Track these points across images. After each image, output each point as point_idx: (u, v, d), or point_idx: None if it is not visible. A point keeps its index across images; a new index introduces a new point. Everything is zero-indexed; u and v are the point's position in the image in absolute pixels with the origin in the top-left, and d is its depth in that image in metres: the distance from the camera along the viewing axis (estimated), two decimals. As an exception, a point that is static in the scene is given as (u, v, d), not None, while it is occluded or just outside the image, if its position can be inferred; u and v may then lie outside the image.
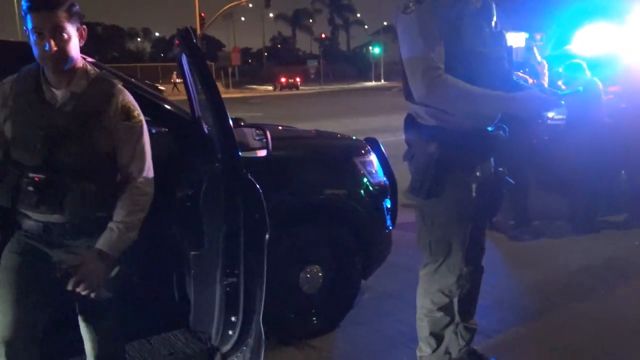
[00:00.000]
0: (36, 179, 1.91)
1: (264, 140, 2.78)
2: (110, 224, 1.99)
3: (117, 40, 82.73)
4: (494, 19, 2.30)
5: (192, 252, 2.46)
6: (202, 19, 43.32)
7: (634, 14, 7.41)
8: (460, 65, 2.16)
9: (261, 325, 2.36)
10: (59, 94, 1.96)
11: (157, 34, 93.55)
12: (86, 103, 1.96)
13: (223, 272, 2.28)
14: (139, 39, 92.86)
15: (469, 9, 2.21)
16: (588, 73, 5.38)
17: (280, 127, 4.34)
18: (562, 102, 2.24)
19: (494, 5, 2.32)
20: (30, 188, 1.91)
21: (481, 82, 2.16)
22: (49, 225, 1.98)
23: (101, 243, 1.97)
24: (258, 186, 2.25)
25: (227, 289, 2.29)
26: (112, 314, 2.13)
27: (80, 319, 2.14)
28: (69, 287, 1.90)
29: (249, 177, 2.25)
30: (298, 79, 48.39)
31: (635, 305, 3.70)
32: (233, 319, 2.33)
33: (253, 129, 2.96)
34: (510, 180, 2.50)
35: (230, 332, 2.36)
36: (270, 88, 47.98)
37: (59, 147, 1.92)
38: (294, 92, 43.61)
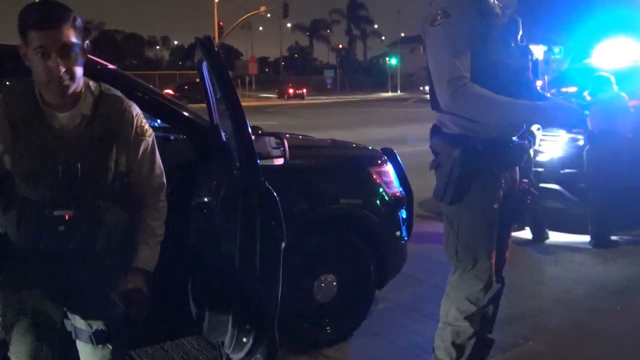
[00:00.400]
0: (67, 217, 1.76)
1: (282, 148, 2.79)
2: (146, 240, 1.94)
3: (137, 48, 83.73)
4: (520, 32, 2.36)
5: (209, 259, 2.47)
6: (220, 28, 43.76)
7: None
8: (487, 76, 2.20)
9: (276, 333, 2.36)
10: (65, 117, 1.78)
11: (175, 42, 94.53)
12: (101, 126, 1.81)
13: (239, 279, 2.28)
14: (157, 47, 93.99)
15: (496, 23, 2.27)
16: (615, 87, 5.35)
17: (296, 136, 4.35)
18: (587, 113, 2.25)
19: (520, 20, 2.38)
20: (62, 228, 1.76)
21: (507, 92, 2.20)
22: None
23: (142, 261, 1.92)
24: (275, 194, 2.26)
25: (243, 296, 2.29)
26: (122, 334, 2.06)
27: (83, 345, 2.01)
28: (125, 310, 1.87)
29: (267, 185, 2.26)
30: (304, 90, 48.53)
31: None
32: (247, 327, 2.33)
33: (271, 138, 2.97)
34: (535, 191, 2.50)
35: (245, 340, 2.36)
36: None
37: (82, 178, 1.78)
38: (302, 102, 43.65)
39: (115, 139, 1.84)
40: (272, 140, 2.92)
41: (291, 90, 47.79)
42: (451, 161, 2.33)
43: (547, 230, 5.48)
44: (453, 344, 2.44)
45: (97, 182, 1.81)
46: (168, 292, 2.84)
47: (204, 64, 2.52)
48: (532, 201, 2.50)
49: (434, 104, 2.35)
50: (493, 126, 2.29)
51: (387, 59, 64.50)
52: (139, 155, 1.93)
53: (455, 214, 2.39)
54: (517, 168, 2.55)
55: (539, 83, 4.77)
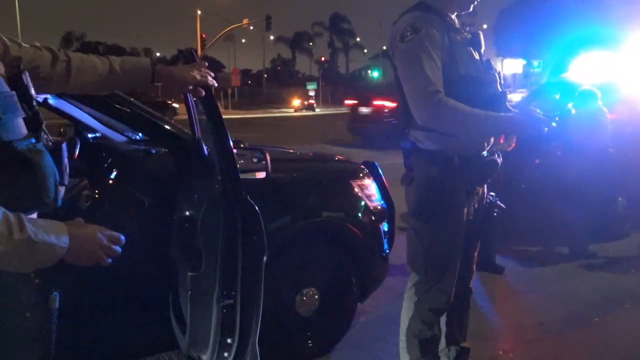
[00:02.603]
0: None
1: (264, 162, 2.80)
2: None
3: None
4: (483, 48, 2.42)
5: (190, 273, 2.46)
6: (203, 40, 43.77)
7: (630, 43, 7.52)
8: (458, 90, 2.23)
9: (257, 348, 2.35)
10: None
11: (157, 54, 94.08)
12: None
13: (220, 293, 2.28)
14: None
15: (461, 37, 2.33)
16: (600, 102, 5.44)
17: (279, 149, 4.37)
18: (554, 124, 2.29)
19: (482, 36, 2.44)
20: None
21: (478, 105, 2.23)
22: None
23: None
24: (257, 208, 2.27)
25: (224, 310, 2.29)
26: None
27: None
28: None
29: (248, 199, 2.26)
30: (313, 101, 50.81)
31: (630, 333, 3.70)
32: (229, 340, 2.32)
33: (252, 151, 2.98)
34: (502, 205, 2.54)
35: (226, 354, 2.35)
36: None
37: None
38: (296, 114, 44.32)
39: None
40: (255, 154, 2.93)
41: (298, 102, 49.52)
42: (429, 181, 2.36)
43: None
44: (423, 355, 2.46)
45: None
46: (149, 306, 2.83)
47: None
48: (499, 214, 2.53)
49: (407, 120, 2.36)
50: (467, 141, 2.32)
51: (369, 71, 64.94)
52: None
53: (427, 230, 2.41)
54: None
55: (517, 97, 4.85)
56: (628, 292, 4.46)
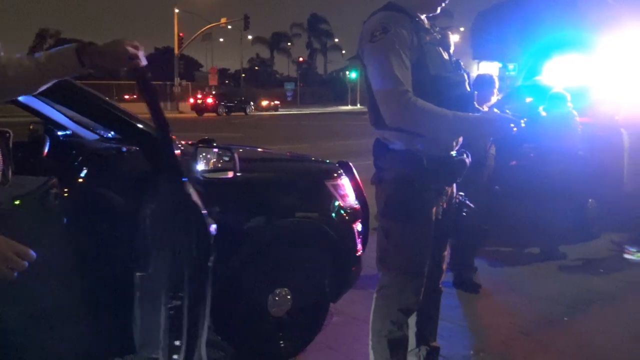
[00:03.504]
0: None
1: (232, 162, 2.78)
2: None
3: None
4: (452, 49, 2.43)
5: (138, 274, 2.43)
6: (180, 38, 43.44)
7: (602, 48, 7.65)
8: (428, 90, 2.24)
9: (204, 350, 2.33)
10: None
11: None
12: None
13: (167, 295, 2.25)
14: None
15: (432, 37, 2.34)
16: (570, 105, 5.51)
17: (253, 149, 4.35)
18: (523, 124, 2.32)
19: (450, 37, 2.46)
20: None
21: (446, 105, 2.24)
22: None
23: None
24: (201, 210, 2.24)
25: (171, 312, 2.26)
26: None
27: None
28: None
29: (193, 199, 2.24)
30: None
31: (600, 333, 3.75)
32: (177, 343, 2.29)
33: (217, 150, 2.95)
34: (471, 204, 2.56)
35: (175, 357, 2.32)
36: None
37: None
38: (273, 113, 44.32)
39: None
40: (220, 153, 2.90)
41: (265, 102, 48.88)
42: (399, 181, 2.36)
43: None
44: (392, 356, 2.47)
45: None
46: (99, 308, 2.75)
47: None
48: (468, 214, 2.55)
49: (376, 120, 2.36)
50: (437, 141, 2.33)
51: (347, 72, 65.01)
52: None
53: (396, 230, 2.42)
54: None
55: (493, 99, 4.89)
56: (597, 292, 4.53)
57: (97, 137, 3.27)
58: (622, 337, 3.70)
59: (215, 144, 3.11)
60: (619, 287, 4.67)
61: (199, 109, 37.95)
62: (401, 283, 2.44)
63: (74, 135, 3.31)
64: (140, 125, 2.78)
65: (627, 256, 5.40)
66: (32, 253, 1.50)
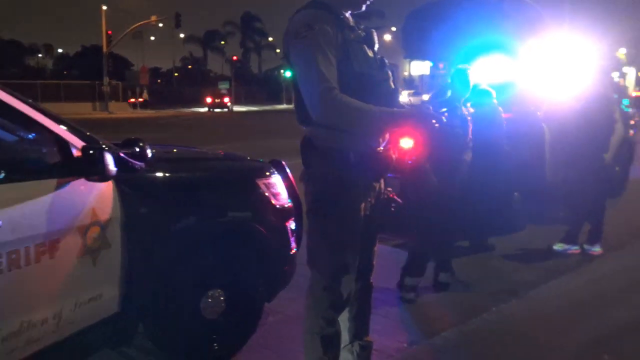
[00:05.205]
0: None
1: (142, 152, 2.72)
2: None
3: (17, 55, 78.28)
4: (376, 46, 2.46)
5: None
6: (109, 36, 42.10)
7: (525, 47, 7.96)
8: (353, 86, 2.25)
9: None
10: None
11: (60, 51, 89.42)
12: None
13: None
14: (40, 55, 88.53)
15: (355, 35, 2.35)
16: (495, 101, 5.68)
17: (185, 149, 4.27)
18: (444, 120, 2.37)
19: (375, 35, 2.48)
20: None
21: (371, 101, 2.27)
22: None
23: None
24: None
25: None
26: None
27: None
28: None
29: None
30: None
31: (523, 321, 3.91)
32: None
33: (116, 149, 2.85)
34: (398, 199, 2.60)
35: None
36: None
37: None
38: (208, 113, 43.91)
39: None
40: (119, 152, 2.78)
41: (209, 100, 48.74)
42: (325, 174, 2.37)
43: None
44: (325, 353, 2.48)
45: None
46: None
47: None
48: (396, 209, 2.59)
49: (302, 117, 2.36)
50: (363, 137, 2.35)
51: (282, 71, 64.91)
52: None
53: (325, 227, 2.42)
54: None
55: (425, 96, 4.99)
56: (521, 282, 4.72)
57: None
58: (541, 321, 3.87)
59: (141, 144, 3.03)
60: (540, 275, 4.87)
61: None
62: (331, 280, 2.44)
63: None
64: (62, 127, 2.67)
65: (555, 247, 5.64)
66: None
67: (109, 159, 2.53)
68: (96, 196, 2.62)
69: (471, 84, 4.52)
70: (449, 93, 4.60)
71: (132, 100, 43.94)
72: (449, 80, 4.72)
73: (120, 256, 2.73)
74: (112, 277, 2.74)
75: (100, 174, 2.52)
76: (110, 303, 2.75)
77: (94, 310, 2.67)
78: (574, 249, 5.58)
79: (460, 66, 4.74)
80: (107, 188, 2.67)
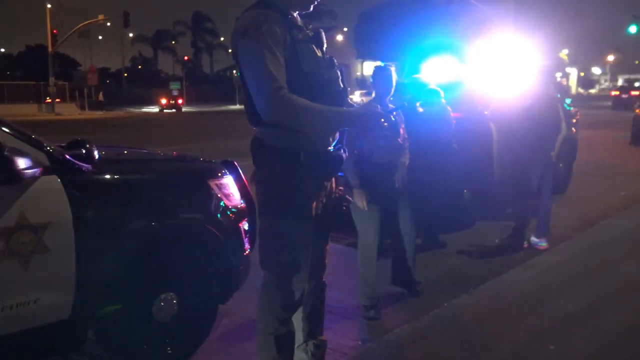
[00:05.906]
0: None
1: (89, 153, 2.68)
2: None
3: (-45, 55, 75.27)
4: (325, 46, 2.47)
5: None
6: (54, 35, 40.88)
7: (473, 48, 8.15)
8: (301, 86, 2.26)
9: None
10: None
11: (2, 50, 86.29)
12: None
13: None
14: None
15: (303, 35, 2.36)
16: (443, 100, 5.78)
17: (134, 150, 4.19)
18: (393, 118, 2.41)
19: (323, 35, 2.49)
20: None
21: (320, 101, 2.28)
22: None
23: None
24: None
25: None
26: None
27: None
28: None
29: None
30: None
31: (473, 315, 4.00)
32: None
33: (61, 151, 2.79)
34: (350, 198, 2.63)
35: None
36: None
37: None
38: (160, 113, 43.32)
39: None
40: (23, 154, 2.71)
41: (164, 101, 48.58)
42: (275, 174, 2.38)
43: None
44: (279, 352, 2.49)
45: None
46: None
47: None
48: (347, 208, 2.62)
49: (252, 117, 2.36)
50: (313, 136, 2.36)
51: (234, 71, 64.40)
52: None
53: (276, 227, 2.43)
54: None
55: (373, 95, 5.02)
56: (472, 277, 4.83)
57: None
58: (491, 314, 3.99)
59: (88, 145, 2.97)
60: (490, 270, 5.00)
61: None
62: (283, 279, 2.45)
63: None
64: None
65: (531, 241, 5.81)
66: None
67: (20, 161, 2.43)
68: (27, 199, 2.53)
69: (394, 82, 4.14)
70: (373, 94, 4.43)
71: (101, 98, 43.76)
72: (371, 80, 4.52)
73: (64, 261, 2.66)
74: (53, 282, 2.67)
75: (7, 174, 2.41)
76: (52, 308, 2.68)
77: (27, 315, 2.59)
78: (542, 245, 5.75)
79: (380, 64, 4.42)
80: (45, 191, 2.60)
